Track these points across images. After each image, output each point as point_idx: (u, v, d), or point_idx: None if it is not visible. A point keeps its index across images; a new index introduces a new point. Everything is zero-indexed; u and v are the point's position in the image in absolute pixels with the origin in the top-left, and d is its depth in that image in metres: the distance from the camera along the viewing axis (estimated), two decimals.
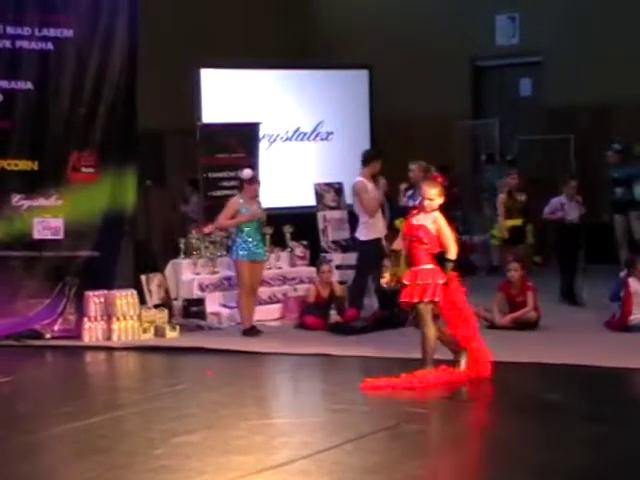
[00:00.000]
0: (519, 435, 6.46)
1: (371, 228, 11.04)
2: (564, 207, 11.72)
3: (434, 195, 8.21)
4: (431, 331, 8.05)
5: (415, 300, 8.07)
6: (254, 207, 10.62)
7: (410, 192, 11.22)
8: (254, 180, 10.77)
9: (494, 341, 9.67)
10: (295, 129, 14.52)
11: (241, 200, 10.66)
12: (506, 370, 8.51)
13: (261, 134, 13.09)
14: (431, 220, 8.17)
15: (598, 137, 14.97)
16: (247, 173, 10.84)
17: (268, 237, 11.40)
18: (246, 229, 10.58)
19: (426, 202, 8.22)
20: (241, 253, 10.54)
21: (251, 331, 10.42)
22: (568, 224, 11.66)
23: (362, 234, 11.11)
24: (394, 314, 10.46)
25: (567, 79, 15.65)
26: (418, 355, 8.09)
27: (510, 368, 8.58)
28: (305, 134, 14.59)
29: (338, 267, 11.94)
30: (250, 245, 10.54)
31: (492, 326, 10.42)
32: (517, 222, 11.99)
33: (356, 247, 11.54)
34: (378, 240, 11.03)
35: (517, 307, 10.52)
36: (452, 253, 8.12)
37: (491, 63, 17.01)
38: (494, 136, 16.04)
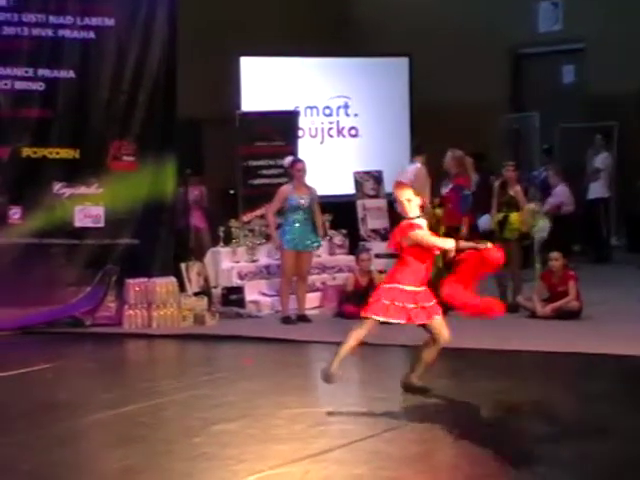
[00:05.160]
0: (558, 424, 6.40)
1: None
2: None
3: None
4: None
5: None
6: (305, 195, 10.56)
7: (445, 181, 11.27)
8: (296, 162, 10.70)
9: (535, 331, 9.64)
10: None
11: (290, 188, 10.64)
12: (548, 360, 8.44)
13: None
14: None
15: None
16: (287, 160, 10.83)
17: None
18: (294, 217, 10.55)
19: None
20: (286, 242, 10.54)
21: (301, 319, 10.52)
22: None
23: None
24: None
25: (611, 65, 15.45)
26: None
27: (552, 358, 8.51)
28: None
29: (377, 256, 11.89)
30: (296, 234, 10.51)
31: (533, 316, 10.34)
32: (499, 216, 10.90)
33: None
34: None
35: (558, 297, 10.41)
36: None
37: (533, 50, 16.84)
38: (534, 129, 15.83)
